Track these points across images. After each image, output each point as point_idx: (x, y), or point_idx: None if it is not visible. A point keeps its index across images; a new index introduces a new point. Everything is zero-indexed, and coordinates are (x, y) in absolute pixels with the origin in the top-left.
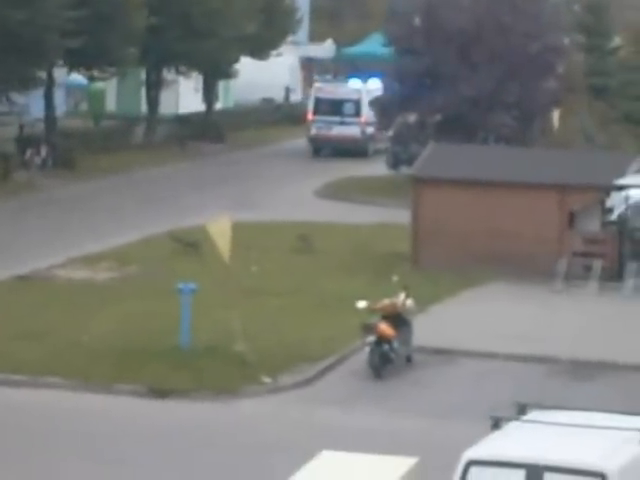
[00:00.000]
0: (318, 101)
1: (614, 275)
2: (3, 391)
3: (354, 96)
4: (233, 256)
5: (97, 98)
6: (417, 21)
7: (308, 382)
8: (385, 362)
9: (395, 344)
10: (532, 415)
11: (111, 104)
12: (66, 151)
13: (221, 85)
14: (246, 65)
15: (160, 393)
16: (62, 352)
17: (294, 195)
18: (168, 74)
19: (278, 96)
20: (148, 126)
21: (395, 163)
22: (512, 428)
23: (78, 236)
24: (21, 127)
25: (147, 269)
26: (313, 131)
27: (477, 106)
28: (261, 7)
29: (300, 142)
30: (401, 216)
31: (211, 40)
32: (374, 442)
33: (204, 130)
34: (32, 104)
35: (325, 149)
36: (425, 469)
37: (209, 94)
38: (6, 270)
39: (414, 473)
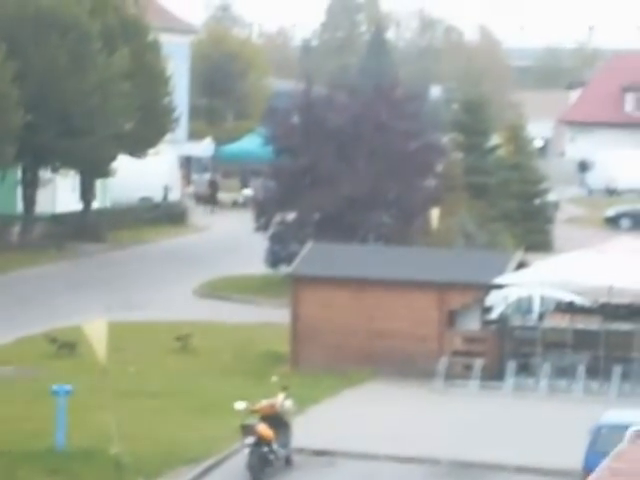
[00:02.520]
0: None
1: (495, 374)
2: None
3: None
4: (109, 357)
5: None
6: (295, 119)
7: None
8: (264, 464)
9: (274, 446)
10: None
11: None
12: None
13: (98, 184)
14: (124, 163)
15: None
16: None
17: (172, 294)
18: (44, 173)
19: (156, 195)
20: (24, 225)
21: (274, 262)
22: None
23: None
24: None
25: (22, 370)
26: None
27: (356, 205)
28: (138, 105)
29: (178, 241)
30: (280, 315)
31: (88, 138)
32: None
33: (81, 230)
34: None
35: None
36: None
37: (86, 193)
38: None
39: None
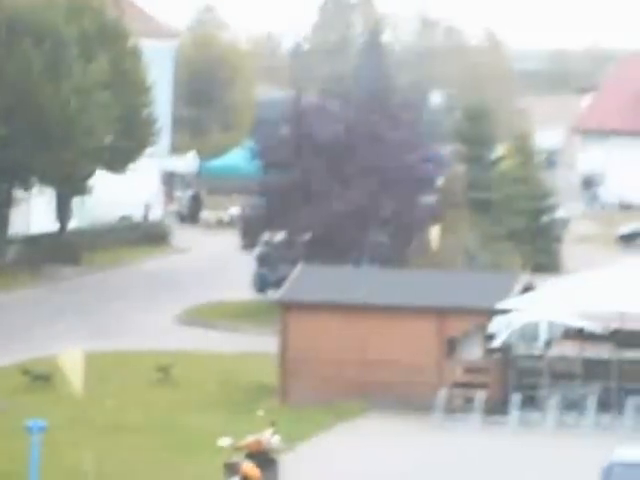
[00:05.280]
0: None
1: (498, 408)
2: None
3: None
4: (86, 389)
5: None
6: (285, 131)
7: None
8: None
9: None
10: None
11: None
12: None
13: (75, 202)
14: (102, 180)
15: None
16: None
17: (154, 322)
18: (19, 191)
19: (137, 213)
20: None
21: (262, 286)
22: None
23: None
24: None
25: None
26: None
27: (349, 223)
28: (117, 116)
29: (160, 263)
30: (268, 344)
31: (64, 152)
32: None
33: (57, 252)
34: None
35: None
36: None
37: (62, 212)
38: None
39: None
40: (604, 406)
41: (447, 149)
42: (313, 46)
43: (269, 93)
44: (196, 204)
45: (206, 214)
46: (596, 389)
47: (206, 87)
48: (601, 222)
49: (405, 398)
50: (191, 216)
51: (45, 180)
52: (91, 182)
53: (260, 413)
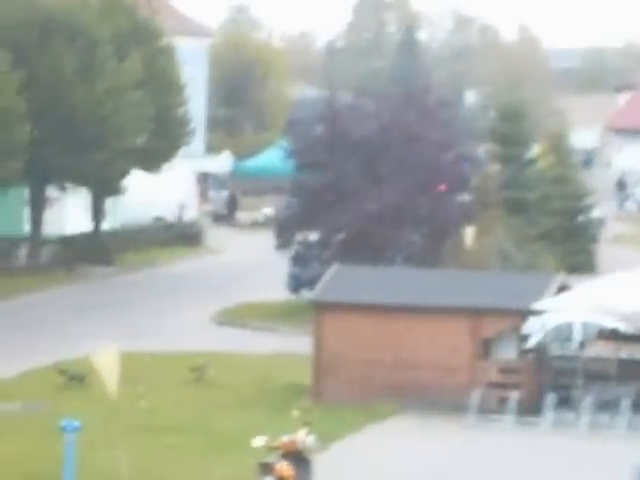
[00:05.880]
0: None
1: (532, 408)
2: None
3: None
4: (121, 390)
5: None
6: (319, 130)
7: None
8: None
9: None
10: None
11: None
12: None
13: (109, 203)
14: (137, 181)
15: None
16: None
17: (188, 322)
18: (53, 191)
19: (171, 214)
20: (31, 247)
21: (296, 286)
22: None
23: None
24: None
25: (29, 404)
26: None
27: (383, 223)
28: (151, 116)
29: (194, 264)
30: (302, 344)
31: (98, 152)
32: None
33: (91, 252)
34: None
35: None
36: None
37: (97, 212)
38: None
39: None
40: (638, 407)
41: (482, 148)
42: (347, 44)
43: (303, 92)
44: (232, 204)
45: (240, 214)
46: (631, 390)
47: (240, 86)
48: (637, 222)
49: (439, 398)
50: (228, 216)
51: (79, 180)
52: (125, 182)
53: (294, 413)
